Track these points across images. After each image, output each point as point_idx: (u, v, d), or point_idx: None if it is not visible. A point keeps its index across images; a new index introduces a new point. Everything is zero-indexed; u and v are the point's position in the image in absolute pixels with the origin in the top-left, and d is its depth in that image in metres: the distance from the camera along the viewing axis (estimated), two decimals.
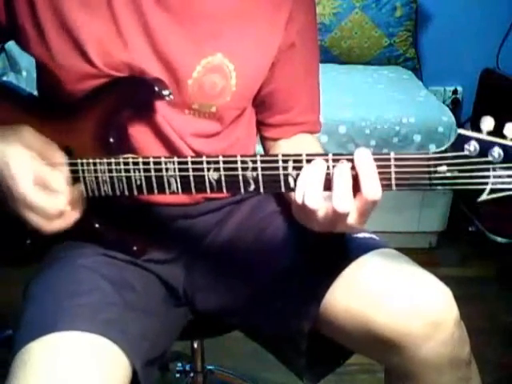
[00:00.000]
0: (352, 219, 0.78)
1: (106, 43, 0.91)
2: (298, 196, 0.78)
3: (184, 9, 0.92)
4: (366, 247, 0.97)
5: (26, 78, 2.28)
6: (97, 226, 0.98)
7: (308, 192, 0.77)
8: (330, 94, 2.32)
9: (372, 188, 0.76)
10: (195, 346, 1.48)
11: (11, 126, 0.91)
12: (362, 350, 0.99)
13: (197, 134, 0.99)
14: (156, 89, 0.89)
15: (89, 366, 0.83)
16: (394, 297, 0.90)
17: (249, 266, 1.03)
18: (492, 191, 0.74)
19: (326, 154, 0.79)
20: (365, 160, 0.77)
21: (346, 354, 1.03)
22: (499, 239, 2.47)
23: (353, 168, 0.77)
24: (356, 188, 0.77)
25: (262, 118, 1.09)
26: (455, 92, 2.94)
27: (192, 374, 1.59)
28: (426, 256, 2.35)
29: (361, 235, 1.01)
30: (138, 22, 0.91)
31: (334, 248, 0.97)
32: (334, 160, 0.78)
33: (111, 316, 0.90)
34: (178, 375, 1.65)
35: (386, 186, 0.78)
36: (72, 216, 0.91)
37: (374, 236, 1.02)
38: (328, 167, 0.78)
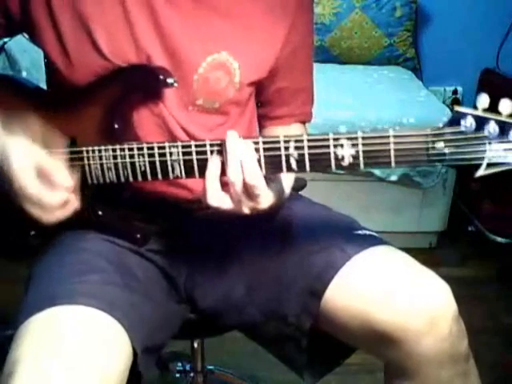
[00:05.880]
0: (227, 205, 0.85)
1: (117, 38, 0.94)
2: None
3: (194, 8, 0.95)
4: (365, 244, 0.98)
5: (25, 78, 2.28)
6: (100, 213, 0.99)
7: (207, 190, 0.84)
8: (330, 94, 2.32)
9: (230, 172, 0.82)
10: (195, 345, 1.48)
11: (16, 115, 0.91)
12: (362, 346, 1.00)
13: (200, 126, 1.01)
14: (161, 76, 0.91)
15: (93, 340, 0.82)
16: (393, 292, 0.91)
17: (249, 262, 1.04)
18: (489, 166, 0.75)
19: (327, 134, 0.82)
20: (230, 147, 0.82)
21: (345, 352, 1.04)
22: (499, 239, 2.47)
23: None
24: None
25: (265, 112, 1.12)
26: (455, 92, 2.94)
27: (192, 374, 1.59)
28: (426, 256, 2.33)
29: (361, 232, 1.02)
30: (149, 19, 0.94)
31: (333, 245, 0.98)
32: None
33: (114, 295, 0.90)
34: (177, 375, 1.65)
35: (386, 164, 0.79)
36: (72, 205, 0.92)
37: (373, 233, 1.03)
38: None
